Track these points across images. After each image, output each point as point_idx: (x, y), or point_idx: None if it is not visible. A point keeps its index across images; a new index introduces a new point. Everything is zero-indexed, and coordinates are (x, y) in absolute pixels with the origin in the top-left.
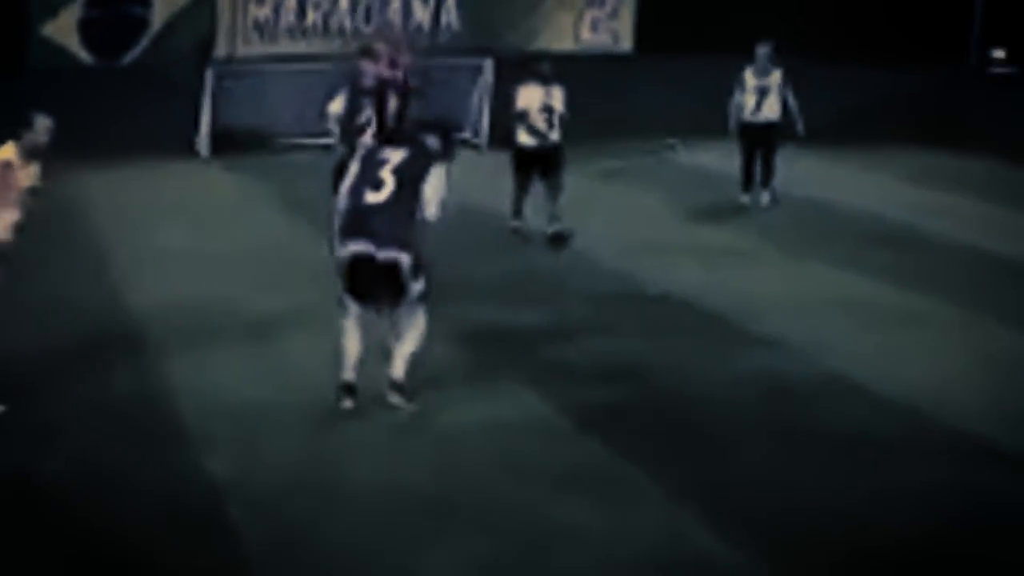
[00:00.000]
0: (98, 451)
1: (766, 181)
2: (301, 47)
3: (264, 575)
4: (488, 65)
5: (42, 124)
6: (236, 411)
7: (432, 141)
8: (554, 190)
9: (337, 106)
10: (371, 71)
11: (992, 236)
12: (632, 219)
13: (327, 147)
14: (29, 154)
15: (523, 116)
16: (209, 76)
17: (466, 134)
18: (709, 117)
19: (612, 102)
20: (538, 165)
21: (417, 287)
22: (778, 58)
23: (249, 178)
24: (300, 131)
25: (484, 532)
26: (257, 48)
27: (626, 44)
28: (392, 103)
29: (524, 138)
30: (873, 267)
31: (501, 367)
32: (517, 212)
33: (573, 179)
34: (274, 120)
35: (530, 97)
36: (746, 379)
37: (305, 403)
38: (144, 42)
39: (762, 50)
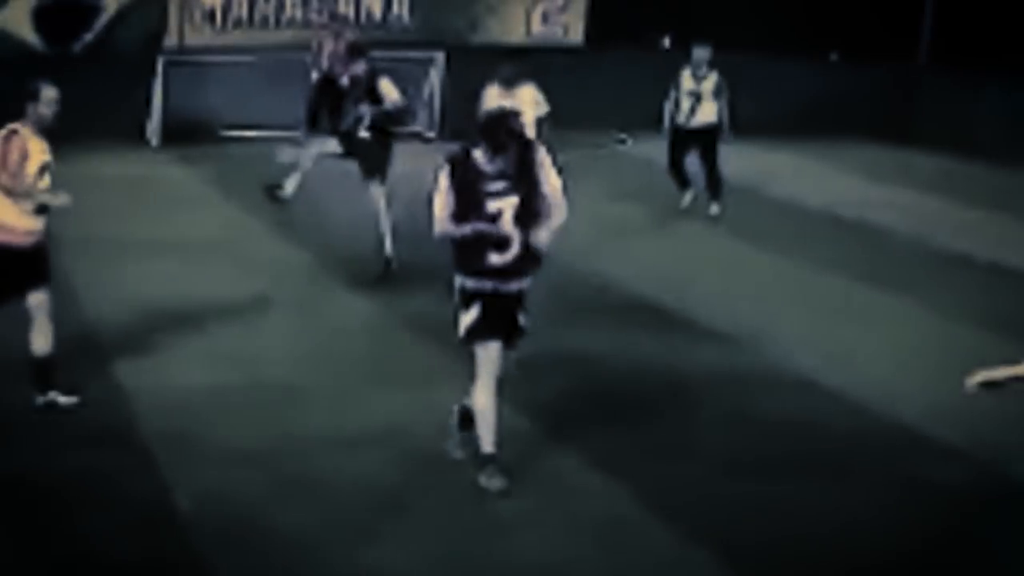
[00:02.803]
0: (50, 449)
1: (715, 191)
2: (252, 38)
3: (214, 567)
4: (439, 57)
5: (48, 94)
6: (188, 402)
7: None
8: None
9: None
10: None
11: (942, 231)
12: (581, 213)
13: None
14: (39, 127)
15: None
16: (160, 65)
17: (418, 127)
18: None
19: (562, 95)
20: None
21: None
22: (723, 55)
23: (200, 168)
24: (250, 122)
25: (436, 524)
26: (208, 38)
27: (577, 37)
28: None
29: None
30: (825, 260)
31: (455, 360)
32: None
33: None
34: (224, 110)
35: (491, 102)
36: (696, 372)
37: (258, 394)
38: (96, 30)
39: (699, 51)
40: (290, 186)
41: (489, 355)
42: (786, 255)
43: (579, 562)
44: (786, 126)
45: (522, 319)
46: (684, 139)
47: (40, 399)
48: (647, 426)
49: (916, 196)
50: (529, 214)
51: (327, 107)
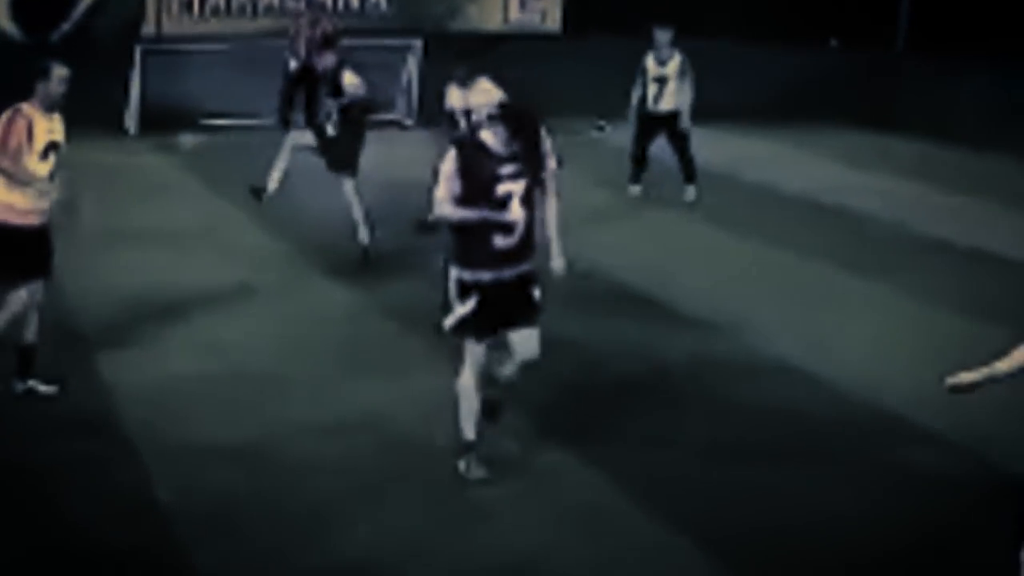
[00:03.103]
0: (32, 437)
1: (688, 175)
2: (229, 26)
3: (196, 556)
4: (417, 45)
5: (59, 72)
6: (169, 391)
7: None
8: None
9: None
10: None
11: (922, 217)
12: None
13: None
14: (47, 106)
15: (451, 116)
16: (138, 54)
17: (396, 114)
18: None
19: (540, 82)
20: None
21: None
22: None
23: (178, 156)
24: (228, 110)
25: (416, 512)
26: (186, 26)
27: (555, 24)
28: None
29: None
30: (804, 247)
31: (435, 347)
32: None
33: None
34: (202, 98)
35: (453, 99)
36: (678, 359)
37: (239, 382)
38: (74, 19)
39: (660, 34)
40: (272, 184)
41: (476, 349)
42: (766, 242)
43: (560, 550)
44: (764, 112)
45: (536, 295)
46: (651, 125)
47: (20, 386)
48: (629, 414)
49: (895, 182)
50: (532, 196)
51: (303, 96)
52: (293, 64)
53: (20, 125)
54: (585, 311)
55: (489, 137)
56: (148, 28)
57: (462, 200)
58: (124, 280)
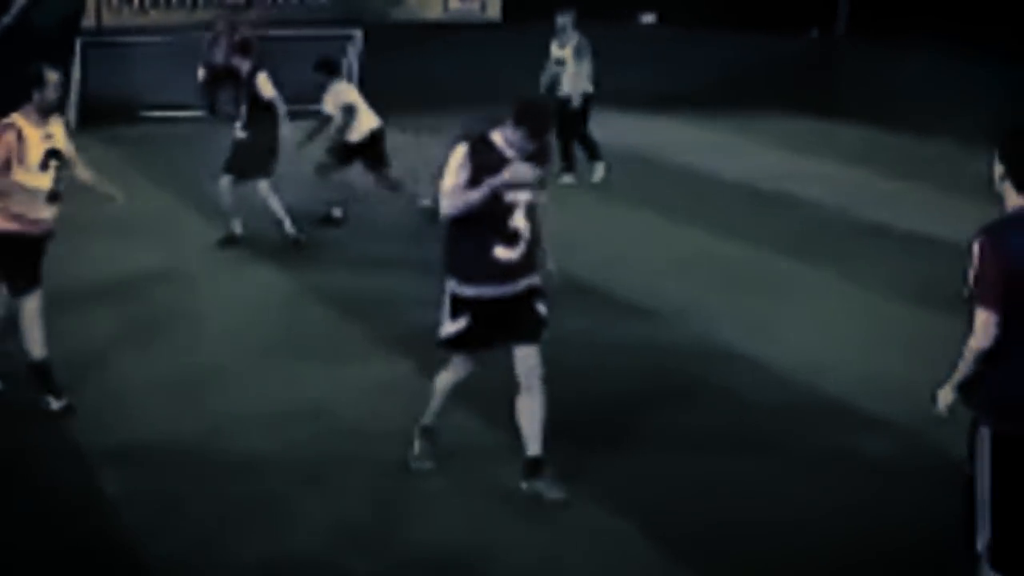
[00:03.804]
0: None
1: (592, 154)
2: (170, 18)
3: (140, 551)
4: (357, 35)
5: (51, 77)
6: (113, 384)
7: None
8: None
9: None
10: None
11: (864, 202)
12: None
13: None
14: (42, 112)
15: (350, 110)
16: (78, 47)
17: None
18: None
19: (480, 71)
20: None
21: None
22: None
23: (119, 148)
24: (168, 101)
25: (358, 500)
26: (126, 19)
27: (495, 13)
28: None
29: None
30: (747, 233)
31: (374, 335)
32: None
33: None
34: (143, 91)
35: (351, 93)
36: (622, 347)
37: (181, 373)
38: (13, 13)
39: (560, 18)
40: (288, 226)
41: (463, 362)
42: (709, 229)
43: (502, 539)
44: (705, 99)
45: (541, 308)
46: (560, 111)
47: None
48: (571, 403)
49: (837, 167)
50: (534, 208)
51: (229, 94)
52: (204, 68)
53: (9, 136)
54: None
55: (499, 138)
56: (88, 21)
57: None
58: (65, 271)
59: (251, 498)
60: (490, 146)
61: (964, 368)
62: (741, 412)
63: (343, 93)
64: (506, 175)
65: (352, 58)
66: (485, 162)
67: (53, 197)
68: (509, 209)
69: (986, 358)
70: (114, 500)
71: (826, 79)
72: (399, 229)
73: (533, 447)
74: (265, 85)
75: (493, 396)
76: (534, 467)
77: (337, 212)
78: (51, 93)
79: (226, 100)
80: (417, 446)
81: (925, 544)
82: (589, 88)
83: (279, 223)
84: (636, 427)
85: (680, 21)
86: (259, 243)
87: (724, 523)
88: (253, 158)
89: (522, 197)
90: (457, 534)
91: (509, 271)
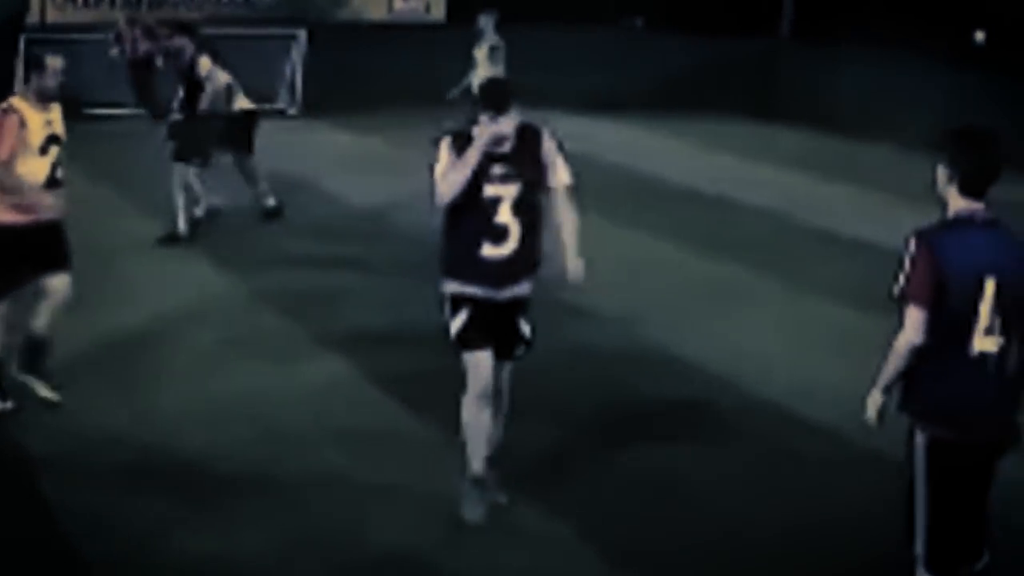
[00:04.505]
0: None
1: None
2: (114, 15)
3: (77, 550)
4: (302, 35)
5: (53, 64)
6: (50, 382)
7: None
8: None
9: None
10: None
11: (805, 206)
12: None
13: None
14: (42, 98)
15: (230, 89)
16: (22, 43)
17: (280, 104)
18: (528, 84)
19: (424, 71)
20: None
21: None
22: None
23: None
24: (112, 99)
25: (298, 502)
26: (70, 15)
27: (439, 14)
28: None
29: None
30: (687, 237)
31: (317, 331)
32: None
33: (379, 147)
34: (87, 88)
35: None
36: (560, 351)
37: (120, 372)
38: None
39: (481, 18)
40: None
41: (477, 364)
42: (650, 233)
43: (442, 540)
44: (648, 101)
45: (523, 326)
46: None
47: (18, 376)
48: (513, 403)
49: (778, 171)
50: (530, 206)
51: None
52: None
53: (12, 122)
54: None
55: (477, 131)
56: (32, 17)
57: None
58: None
59: (192, 498)
60: (469, 139)
61: (890, 369)
62: (680, 414)
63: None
64: (483, 132)
65: (296, 58)
66: (465, 148)
67: (52, 183)
68: (493, 204)
69: (919, 364)
70: (54, 500)
71: (768, 83)
72: (335, 228)
73: (477, 465)
74: (205, 65)
75: (433, 391)
76: (477, 485)
77: (271, 201)
78: (50, 79)
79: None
80: (466, 502)
81: (863, 545)
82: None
83: (194, 202)
84: (574, 430)
85: (620, 23)
86: (200, 242)
87: (663, 521)
88: (189, 141)
89: (505, 192)
90: (394, 537)
91: (498, 272)
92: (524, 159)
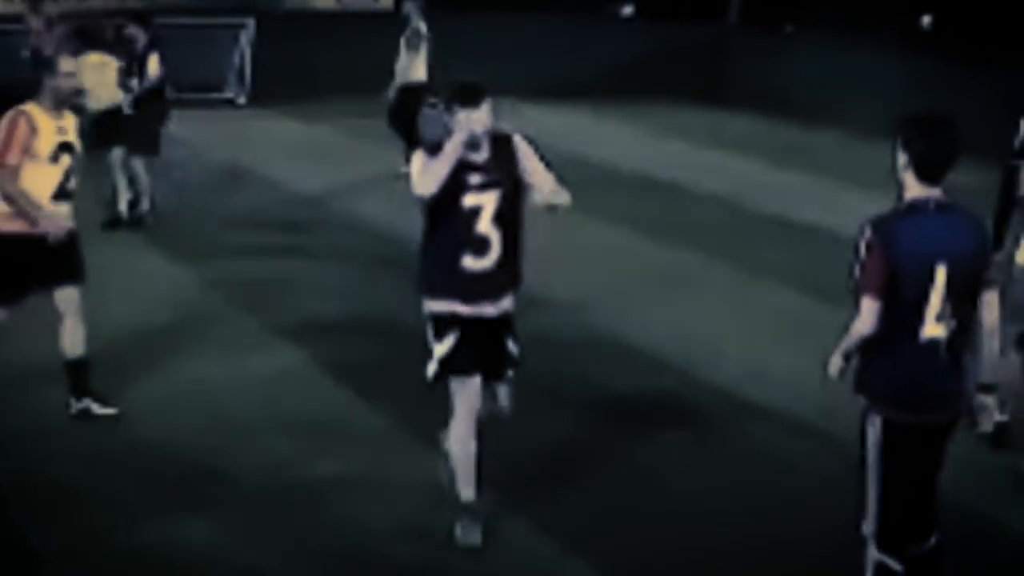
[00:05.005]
0: None
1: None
2: (52, 7)
3: (30, 540)
4: (250, 24)
5: (65, 66)
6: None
7: None
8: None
9: None
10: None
11: (755, 192)
12: (382, 179)
13: None
14: (55, 103)
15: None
16: None
17: (228, 93)
18: (476, 74)
19: (372, 60)
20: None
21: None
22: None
23: None
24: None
25: (249, 491)
26: (3, 6)
27: (386, 1)
28: None
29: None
30: (639, 223)
31: (267, 320)
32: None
33: (328, 136)
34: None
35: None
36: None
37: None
38: None
39: (406, 6)
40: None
41: (467, 390)
42: (603, 220)
43: (398, 529)
44: (599, 88)
45: (511, 345)
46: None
47: (76, 405)
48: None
49: (728, 157)
50: (511, 216)
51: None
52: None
53: (23, 126)
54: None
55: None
56: None
57: (428, 207)
58: None
59: (142, 487)
60: (440, 146)
61: (848, 343)
62: (631, 400)
63: None
64: (458, 131)
65: (245, 47)
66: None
67: (61, 194)
68: (473, 213)
69: (873, 347)
70: (2, 490)
71: (719, 69)
72: (285, 217)
73: (467, 492)
74: (153, 64)
75: (384, 381)
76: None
77: (129, 209)
78: (63, 82)
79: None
80: (459, 529)
81: (814, 525)
82: (421, 78)
83: (138, 196)
84: (522, 415)
85: (570, 10)
86: (150, 232)
87: (613, 511)
88: (141, 134)
89: (485, 200)
90: (348, 526)
91: (481, 286)
92: (500, 165)
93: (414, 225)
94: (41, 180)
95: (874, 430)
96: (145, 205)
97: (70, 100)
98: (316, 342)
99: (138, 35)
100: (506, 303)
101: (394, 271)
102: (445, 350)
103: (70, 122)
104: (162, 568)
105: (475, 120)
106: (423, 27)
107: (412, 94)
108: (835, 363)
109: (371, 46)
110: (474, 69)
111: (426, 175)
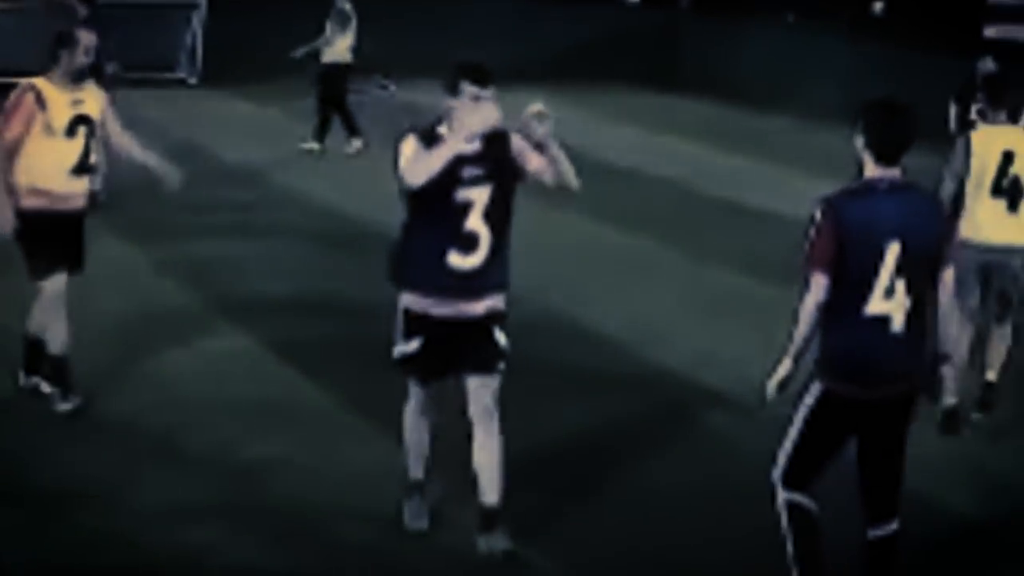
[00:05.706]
0: None
1: (350, 130)
2: None
3: None
4: (203, 4)
5: (86, 41)
6: None
7: None
8: None
9: None
10: None
11: (707, 177)
12: (343, 161)
13: None
14: (71, 77)
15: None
16: None
17: (180, 72)
18: (427, 57)
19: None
20: None
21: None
22: None
23: None
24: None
25: (202, 469)
26: None
27: None
28: None
29: None
30: (592, 208)
31: (218, 301)
32: None
33: (279, 117)
34: None
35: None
36: None
37: (18, 340)
38: None
39: None
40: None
41: (420, 391)
42: (552, 205)
43: (346, 509)
44: (551, 72)
45: (500, 338)
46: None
47: (24, 380)
48: None
49: (681, 142)
50: (501, 212)
51: None
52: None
53: (27, 101)
54: (370, 271)
55: (444, 129)
56: None
57: (414, 198)
58: None
59: (94, 465)
60: (437, 137)
61: (799, 335)
62: (584, 384)
63: None
64: (466, 125)
65: (196, 27)
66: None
67: (81, 169)
68: (463, 209)
69: (820, 321)
70: None
71: (670, 54)
72: (235, 197)
73: (490, 496)
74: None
75: (334, 360)
76: (490, 520)
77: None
78: (80, 56)
79: None
80: (407, 509)
81: (765, 507)
82: (346, 58)
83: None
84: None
85: None
86: (100, 214)
87: (562, 492)
88: None
89: (476, 196)
90: (299, 503)
91: (466, 284)
92: (494, 158)
93: (362, 205)
94: (59, 155)
95: (810, 396)
96: (97, 184)
97: (86, 75)
98: (266, 322)
99: (79, 9)
100: (492, 300)
101: (343, 251)
102: (408, 351)
103: (89, 94)
104: (109, 542)
105: (485, 103)
106: (348, 6)
107: (339, 73)
108: (784, 368)
109: (323, 28)
110: (423, 54)
111: (417, 164)
